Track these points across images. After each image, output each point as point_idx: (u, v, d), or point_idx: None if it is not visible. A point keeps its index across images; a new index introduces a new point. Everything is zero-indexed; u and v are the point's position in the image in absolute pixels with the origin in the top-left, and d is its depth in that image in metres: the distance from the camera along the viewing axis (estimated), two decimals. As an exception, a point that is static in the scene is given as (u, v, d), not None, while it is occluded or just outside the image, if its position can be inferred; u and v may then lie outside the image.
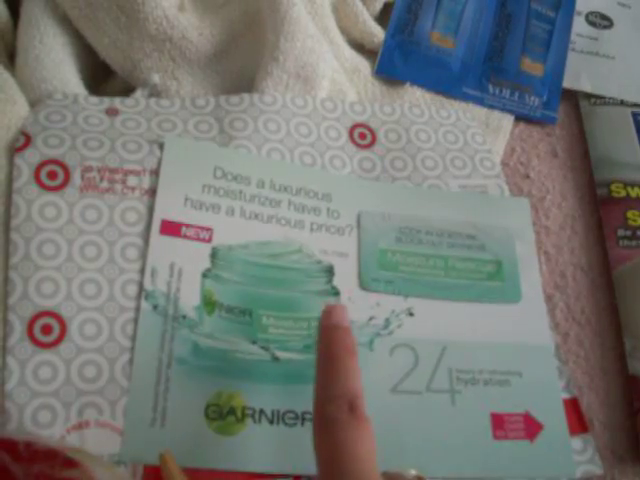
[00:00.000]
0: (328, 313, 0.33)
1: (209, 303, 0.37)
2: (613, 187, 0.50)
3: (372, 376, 0.36)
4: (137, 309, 0.36)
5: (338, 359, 0.31)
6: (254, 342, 0.37)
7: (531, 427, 0.39)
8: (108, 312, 0.36)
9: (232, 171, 0.40)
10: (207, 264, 0.38)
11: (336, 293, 0.39)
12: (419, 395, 0.38)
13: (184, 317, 0.37)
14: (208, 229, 0.38)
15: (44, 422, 0.33)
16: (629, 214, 0.49)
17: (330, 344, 0.32)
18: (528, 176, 0.50)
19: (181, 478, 0.31)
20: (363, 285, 0.40)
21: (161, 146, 0.40)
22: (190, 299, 0.37)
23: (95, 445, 0.33)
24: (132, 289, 0.36)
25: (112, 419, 0.34)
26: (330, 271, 0.40)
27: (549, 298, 0.45)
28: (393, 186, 0.44)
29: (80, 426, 0.33)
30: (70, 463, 0.29)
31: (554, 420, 0.39)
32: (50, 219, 0.37)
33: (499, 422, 0.38)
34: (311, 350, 0.32)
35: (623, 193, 0.50)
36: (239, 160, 0.41)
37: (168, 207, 0.38)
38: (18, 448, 0.29)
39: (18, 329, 0.34)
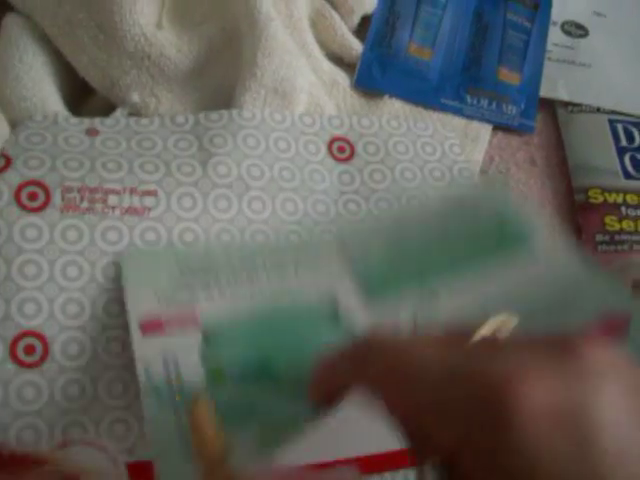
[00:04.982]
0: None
1: (218, 377, 0.35)
2: (591, 193, 0.51)
3: None
4: (120, 327, 0.36)
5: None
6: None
7: None
8: (91, 331, 0.36)
9: (198, 266, 0.39)
10: (201, 345, 0.36)
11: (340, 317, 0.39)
12: None
13: None
14: (192, 315, 0.37)
15: (28, 442, 0.33)
16: (607, 219, 0.49)
17: None
18: (507, 185, 0.51)
19: (211, 427, 0.29)
20: (370, 295, 0.39)
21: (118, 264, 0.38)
22: (195, 382, 0.35)
23: (80, 463, 0.33)
24: (114, 308, 0.37)
25: (97, 437, 0.34)
26: (333, 301, 0.39)
27: (529, 306, 0.45)
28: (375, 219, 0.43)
29: (64, 444, 0.34)
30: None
31: None
32: (31, 240, 0.37)
33: None
34: None
35: (601, 199, 0.50)
36: (200, 254, 0.39)
37: (143, 308, 0.36)
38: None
39: (1, 350, 0.35)
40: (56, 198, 0.38)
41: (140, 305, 0.36)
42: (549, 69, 0.56)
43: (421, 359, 0.25)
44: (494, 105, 0.53)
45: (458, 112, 0.53)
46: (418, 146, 0.48)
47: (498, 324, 0.29)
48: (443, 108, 0.52)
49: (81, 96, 0.47)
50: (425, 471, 0.24)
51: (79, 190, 0.39)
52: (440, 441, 0.23)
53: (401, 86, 0.52)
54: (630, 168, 0.52)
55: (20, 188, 0.38)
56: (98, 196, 0.39)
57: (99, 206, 0.39)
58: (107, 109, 0.45)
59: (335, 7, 0.52)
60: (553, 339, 0.24)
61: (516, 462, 0.21)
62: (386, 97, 0.52)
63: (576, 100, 0.55)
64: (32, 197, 0.38)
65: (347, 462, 0.33)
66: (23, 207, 0.38)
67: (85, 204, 0.38)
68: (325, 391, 0.29)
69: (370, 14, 0.54)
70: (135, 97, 0.44)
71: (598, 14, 0.60)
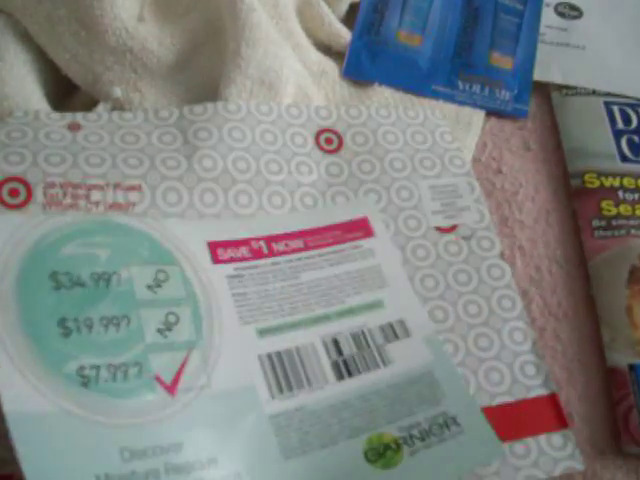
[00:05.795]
0: None
1: None
2: (586, 178, 0.50)
3: None
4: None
5: None
6: None
7: None
8: None
9: None
10: None
11: None
12: None
13: None
14: None
15: None
16: (603, 204, 0.48)
17: None
18: (500, 171, 0.50)
19: None
20: None
21: None
22: None
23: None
24: None
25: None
26: None
27: (524, 293, 0.44)
28: None
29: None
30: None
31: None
32: None
33: None
34: None
35: (597, 183, 0.49)
36: None
37: None
38: None
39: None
40: (38, 194, 0.38)
41: None
42: (542, 52, 0.55)
43: None
44: (486, 90, 0.53)
45: (450, 99, 0.52)
46: (408, 135, 0.47)
47: None
48: (435, 95, 0.52)
49: (64, 93, 0.46)
50: None
51: (62, 186, 0.38)
52: None
53: (391, 74, 0.51)
54: (627, 151, 0.51)
55: (1, 185, 0.37)
56: (81, 192, 0.38)
57: (82, 202, 0.38)
58: (91, 106, 0.44)
59: (322, -5, 0.51)
60: None
61: None
62: (376, 86, 0.51)
63: (571, 83, 0.54)
64: (13, 193, 0.37)
65: None
66: (4, 204, 0.37)
67: (68, 200, 0.38)
68: None
69: (358, 1, 0.53)
70: (117, 92, 0.44)
71: (592, -6, 0.59)
